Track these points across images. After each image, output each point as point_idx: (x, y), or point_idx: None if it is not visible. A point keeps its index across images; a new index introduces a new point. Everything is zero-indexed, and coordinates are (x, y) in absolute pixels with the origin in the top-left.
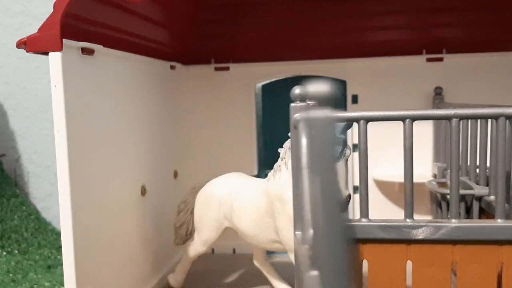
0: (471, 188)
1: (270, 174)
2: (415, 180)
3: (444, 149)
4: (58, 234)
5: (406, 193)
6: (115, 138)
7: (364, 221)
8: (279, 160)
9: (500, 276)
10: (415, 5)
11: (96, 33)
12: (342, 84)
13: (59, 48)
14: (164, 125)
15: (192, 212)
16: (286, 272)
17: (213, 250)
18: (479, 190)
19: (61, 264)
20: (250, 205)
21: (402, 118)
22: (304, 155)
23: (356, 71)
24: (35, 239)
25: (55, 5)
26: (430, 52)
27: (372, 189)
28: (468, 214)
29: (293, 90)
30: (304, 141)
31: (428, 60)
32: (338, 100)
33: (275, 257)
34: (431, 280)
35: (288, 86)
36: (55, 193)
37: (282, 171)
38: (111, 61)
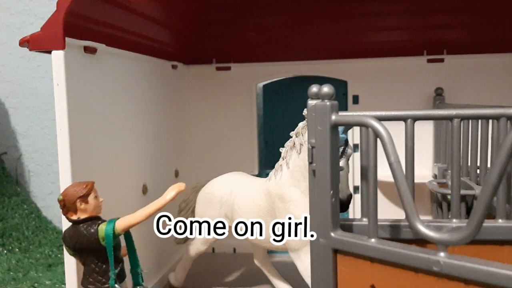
0: (471, 188)
1: (271, 173)
2: (415, 181)
3: (444, 149)
4: (58, 233)
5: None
6: (116, 137)
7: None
8: (281, 159)
9: None
10: (416, 6)
11: (98, 32)
12: (343, 84)
13: (62, 46)
14: (166, 124)
15: (193, 211)
16: (286, 271)
17: (213, 249)
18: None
19: (62, 263)
20: (251, 204)
21: (403, 118)
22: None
23: (357, 71)
24: (36, 238)
25: (58, 3)
26: (431, 53)
27: None
28: (469, 214)
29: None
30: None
31: (429, 61)
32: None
33: (275, 257)
34: None
35: (289, 86)
36: (56, 191)
37: (284, 171)
38: (113, 60)
